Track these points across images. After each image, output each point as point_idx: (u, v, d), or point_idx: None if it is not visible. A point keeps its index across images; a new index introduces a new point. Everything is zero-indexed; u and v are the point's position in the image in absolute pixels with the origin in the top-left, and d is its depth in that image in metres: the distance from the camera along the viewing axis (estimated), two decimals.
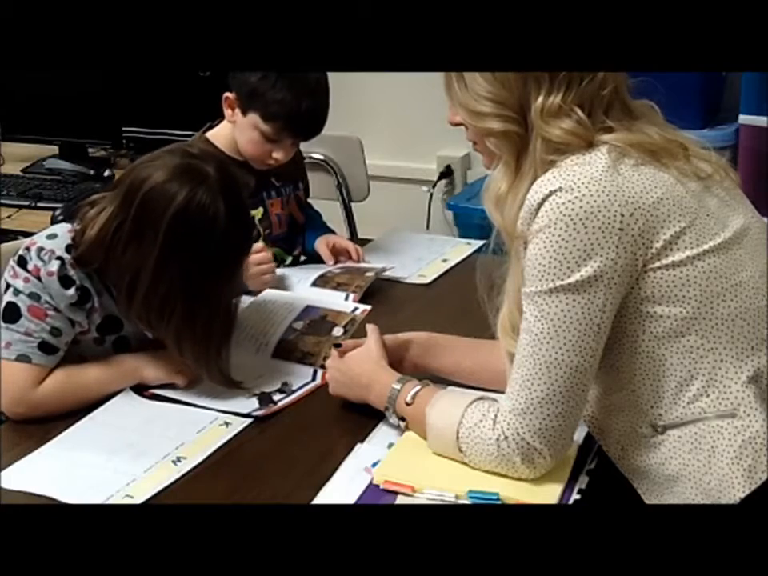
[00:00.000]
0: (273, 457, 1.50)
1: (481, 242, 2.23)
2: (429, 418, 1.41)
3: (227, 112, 2.06)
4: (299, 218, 2.27)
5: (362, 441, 1.49)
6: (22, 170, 3.09)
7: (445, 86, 1.39)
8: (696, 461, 1.28)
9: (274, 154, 2.06)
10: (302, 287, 2.04)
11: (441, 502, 1.33)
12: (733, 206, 1.35)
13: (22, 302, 1.58)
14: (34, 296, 1.57)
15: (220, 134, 2.11)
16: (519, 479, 1.34)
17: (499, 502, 1.32)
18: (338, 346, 1.61)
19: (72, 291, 1.58)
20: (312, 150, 2.61)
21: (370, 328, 1.61)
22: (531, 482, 1.34)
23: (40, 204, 2.80)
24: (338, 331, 1.77)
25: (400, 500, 1.35)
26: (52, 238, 1.60)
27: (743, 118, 2.72)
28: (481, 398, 1.39)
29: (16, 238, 2.02)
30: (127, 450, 1.50)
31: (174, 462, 1.47)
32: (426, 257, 2.25)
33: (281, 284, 2.06)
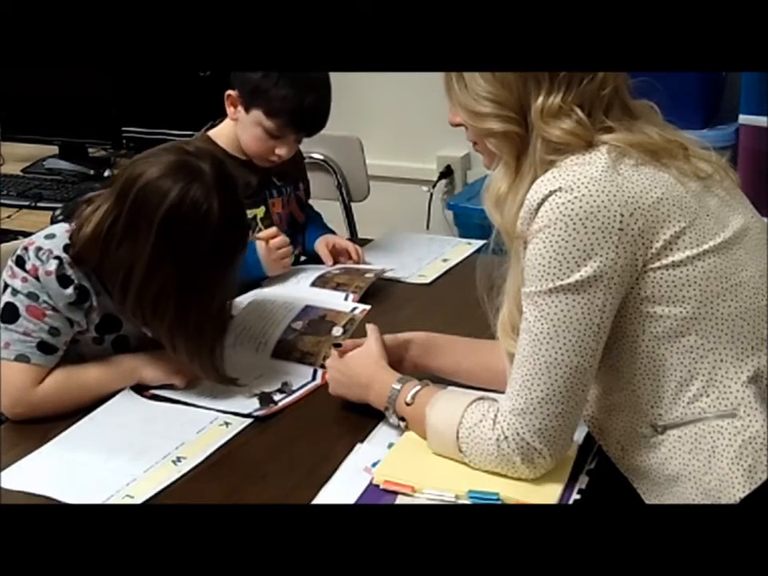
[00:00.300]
0: (273, 457, 1.50)
1: (481, 242, 2.23)
2: (429, 418, 1.41)
3: (229, 110, 2.07)
4: (300, 218, 2.28)
5: (362, 441, 1.49)
6: (22, 170, 3.09)
7: (445, 87, 1.39)
8: (696, 461, 1.28)
9: (277, 151, 2.07)
10: (301, 287, 2.04)
11: (441, 502, 1.33)
12: (733, 206, 1.35)
13: (21, 302, 1.58)
14: (32, 296, 1.57)
15: (222, 133, 2.11)
16: (519, 479, 1.34)
17: (499, 502, 1.32)
18: (337, 345, 1.61)
19: (70, 290, 1.58)
20: (312, 150, 2.61)
21: (370, 328, 1.61)
22: (531, 481, 1.34)
23: (40, 204, 2.80)
24: (337, 331, 1.77)
25: (400, 500, 1.35)
26: (50, 237, 1.60)
27: (743, 118, 2.72)
28: (481, 398, 1.39)
29: (16, 238, 2.02)
30: (127, 450, 1.50)
31: (173, 462, 1.47)
32: (426, 257, 2.25)
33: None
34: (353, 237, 2.68)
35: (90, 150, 3.15)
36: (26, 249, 1.59)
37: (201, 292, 1.55)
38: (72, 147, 3.10)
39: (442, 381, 1.58)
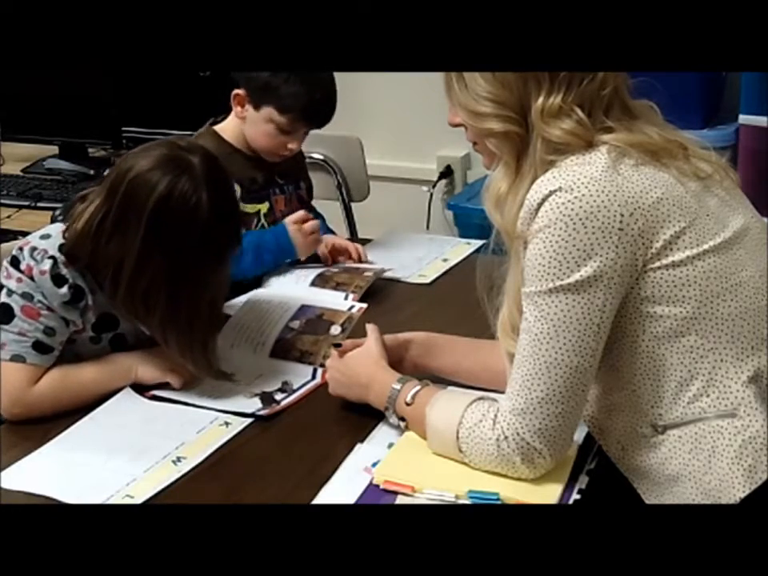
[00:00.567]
0: (273, 457, 1.50)
1: (481, 242, 2.24)
2: (429, 418, 1.41)
3: (236, 109, 2.09)
4: None
5: (362, 441, 1.49)
6: (22, 170, 3.09)
7: (445, 87, 1.39)
8: (696, 461, 1.28)
9: (290, 145, 2.11)
10: (300, 287, 2.04)
11: (441, 502, 1.33)
12: (733, 206, 1.35)
13: (15, 303, 1.58)
14: (26, 296, 1.58)
15: (227, 128, 2.14)
16: (519, 479, 1.34)
17: (499, 502, 1.32)
18: (337, 345, 1.61)
19: (65, 290, 1.58)
20: (312, 150, 2.61)
21: (370, 328, 1.61)
22: (531, 481, 1.34)
23: (40, 204, 2.80)
24: (335, 329, 1.78)
25: (400, 500, 1.35)
26: (45, 238, 1.61)
27: (743, 118, 2.72)
28: (481, 398, 1.39)
29: (16, 238, 2.02)
30: (127, 450, 1.50)
31: (174, 462, 1.47)
32: (426, 257, 2.25)
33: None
34: (353, 237, 2.68)
35: (90, 150, 3.15)
36: (21, 249, 1.60)
37: (191, 286, 1.55)
38: (72, 147, 3.10)
39: (442, 381, 1.58)
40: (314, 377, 1.70)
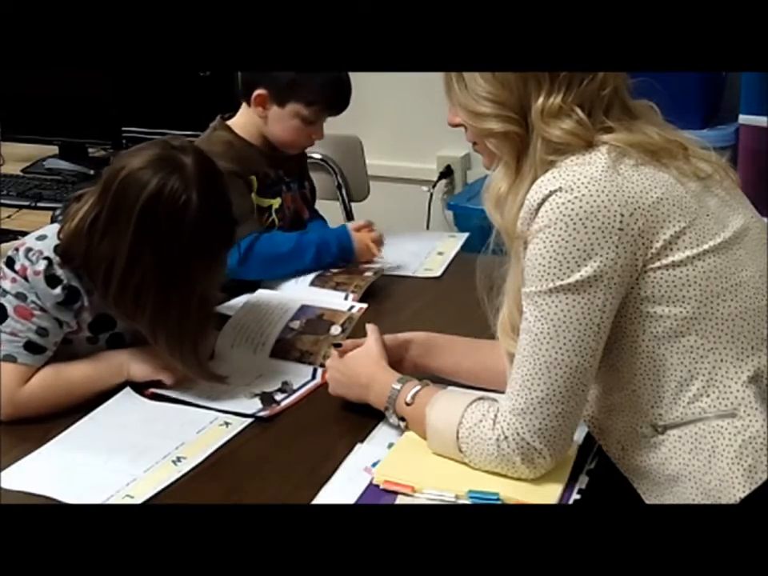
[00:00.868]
0: (273, 457, 1.50)
1: (466, 234, 2.35)
2: (429, 418, 1.41)
3: (257, 109, 2.12)
4: (303, 215, 2.30)
5: (362, 441, 1.49)
6: (22, 170, 3.09)
7: (444, 87, 1.39)
8: (696, 461, 1.28)
9: (314, 136, 2.17)
10: (300, 287, 2.04)
11: (441, 502, 1.33)
12: (733, 206, 1.35)
13: (9, 303, 1.58)
14: (20, 296, 1.58)
15: (239, 123, 2.16)
16: (519, 479, 1.34)
17: (499, 502, 1.32)
18: (337, 346, 1.61)
19: (58, 290, 1.58)
20: (312, 150, 2.60)
21: (370, 328, 1.61)
22: (531, 481, 1.34)
23: (40, 204, 2.80)
24: (335, 329, 1.78)
25: (400, 500, 1.35)
26: (41, 239, 1.61)
27: (743, 118, 2.72)
28: (481, 398, 1.39)
29: (16, 238, 2.02)
30: (127, 450, 1.50)
31: (174, 462, 1.47)
32: (421, 251, 2.26)
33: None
34: None
35: (90, 150, 3.15)
36: (16, 250, 1.60)
37: (181, 284, 1.55)
38: (72, 147, 3.10)
39: (442, 381, 1.58)
40: (314, 377, 1.70)
